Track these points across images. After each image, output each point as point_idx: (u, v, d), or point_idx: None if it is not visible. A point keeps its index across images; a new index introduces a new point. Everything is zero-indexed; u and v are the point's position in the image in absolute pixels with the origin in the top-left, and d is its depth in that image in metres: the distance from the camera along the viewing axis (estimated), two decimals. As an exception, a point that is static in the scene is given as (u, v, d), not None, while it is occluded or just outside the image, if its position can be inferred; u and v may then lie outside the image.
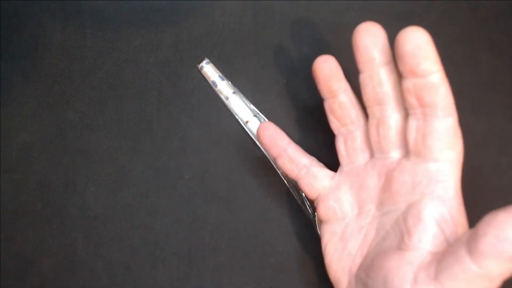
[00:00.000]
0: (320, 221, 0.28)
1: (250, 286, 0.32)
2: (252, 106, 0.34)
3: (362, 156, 0.27)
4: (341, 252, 0.26)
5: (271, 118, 0.34)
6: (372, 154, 0.27)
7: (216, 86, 0.34)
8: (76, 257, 0.32)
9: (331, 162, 0.33)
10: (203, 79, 0.34)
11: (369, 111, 0.26)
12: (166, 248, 0.32)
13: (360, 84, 0.26)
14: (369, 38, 0.24)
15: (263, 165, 0.33)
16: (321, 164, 0.29)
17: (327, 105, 0.27)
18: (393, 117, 0.25)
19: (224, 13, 0.36)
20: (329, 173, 0.28)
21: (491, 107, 0.36)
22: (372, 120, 0.26)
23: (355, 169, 0.27)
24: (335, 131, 0.28)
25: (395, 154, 0.25)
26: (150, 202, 0.33)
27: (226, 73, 0.34)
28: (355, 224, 0.26)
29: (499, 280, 0.19)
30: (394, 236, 0.24)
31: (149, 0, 0.36)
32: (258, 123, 0.33)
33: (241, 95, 0.34)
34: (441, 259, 0.21)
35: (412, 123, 0.24)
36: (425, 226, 0.22)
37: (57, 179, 0.33)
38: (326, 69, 0.26)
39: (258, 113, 0.34)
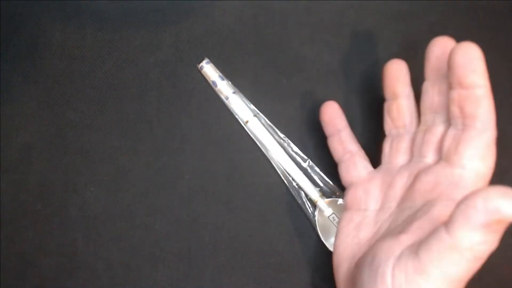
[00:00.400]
0: (344, 208, 0.30)
1: (250, 286, 0.32)
2: (252, 106, 0.34)
3: (402, 158, 0.28)
4: (351, 239, 0.27)
5: (271, 118, 0.34)
6: (411, 159, 0.28)
7: (216, 86, 0.34)
8: (76, 257, 0.32)
9: (332, 161, 0.33)
10: (203, 79, 0.34)
11: (422, 118, 0.28)
12: (166, 248, 0.32)
13: (421, 92, 0.28)
14: (441, 50, 0.27)
15: (263, 165, 0.33)
16: (365, 157, 0.30)
17: (386, 106, 0.29)
18: (441, 126, 0.26)
19: (224, 13, 0.36)
20: (369, 166, 0.30)
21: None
22: (422, 127, 0.27)
23: (391, 168, 0.28)
24: (386, 132, 0.29)
25: (430, 158, 0.26)
26: (150, 202, 0.33)
27: (226, 73, 0.34)
28: (373, 218, 0.27)
29: (468, 256, 0.20)
30: (400, 228, 0.24)
31: (149, 0, 0.36)
32: (258, 123, 0.33)
33: (241, 95, 0.34)
34: (426, 237, 0.21)
35: (451, 131, 0.25)
36: (429, 220, 0.23)
37: (57, 179, 0.33)
38: (393, 72, 0.28)
39: (258, 113, 0.34)
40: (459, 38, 0.37)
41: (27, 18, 0.35)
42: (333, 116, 0.30)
